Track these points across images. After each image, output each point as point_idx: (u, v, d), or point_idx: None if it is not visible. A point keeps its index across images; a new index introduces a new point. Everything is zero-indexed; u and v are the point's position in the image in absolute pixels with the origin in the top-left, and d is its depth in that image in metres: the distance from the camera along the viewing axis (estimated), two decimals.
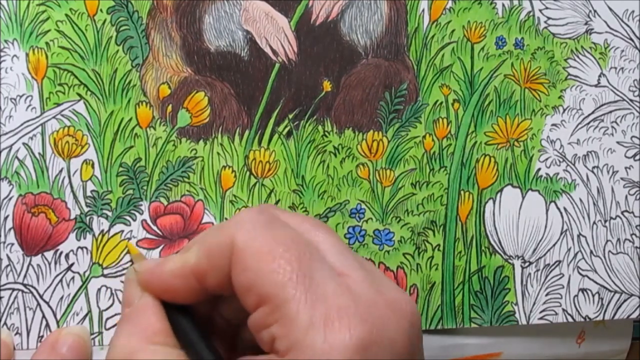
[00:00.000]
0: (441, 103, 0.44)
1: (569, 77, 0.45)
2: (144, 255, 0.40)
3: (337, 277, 0.31)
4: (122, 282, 0.40)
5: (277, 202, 0.42)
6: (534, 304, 0.44)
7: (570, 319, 0.44)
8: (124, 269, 0.40)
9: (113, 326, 0.40)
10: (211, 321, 0.36)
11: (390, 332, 0.30)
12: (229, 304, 0.35)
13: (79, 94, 0.41)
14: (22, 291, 0.39)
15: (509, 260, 0.44)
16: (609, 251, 0.45)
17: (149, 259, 0.36)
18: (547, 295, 0.44)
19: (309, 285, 0.29)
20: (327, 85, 0.43)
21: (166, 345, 0.32)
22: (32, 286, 0.39)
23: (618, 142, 0.46)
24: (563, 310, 0.44)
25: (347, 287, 0.30)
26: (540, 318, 0.44)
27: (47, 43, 0.40)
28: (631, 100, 0.46)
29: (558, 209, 0.45)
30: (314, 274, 0.30)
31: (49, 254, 0.40)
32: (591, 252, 0.45)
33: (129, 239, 0.41)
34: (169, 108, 0.42)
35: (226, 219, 0.42)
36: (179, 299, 0.33)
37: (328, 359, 0.28)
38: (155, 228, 0.41)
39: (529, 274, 0.44)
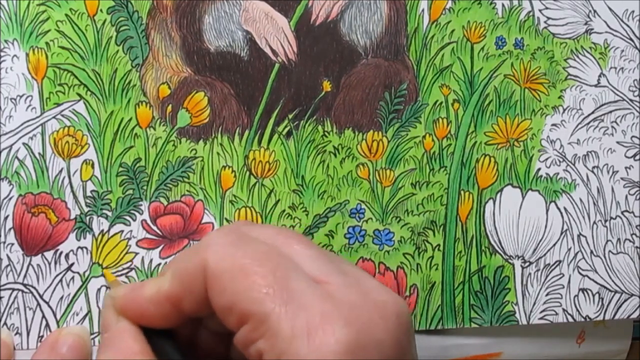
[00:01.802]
0: (441, 103, 0.44)
1: (569, 77, 0.45)
2: (120, 282, 0.40)
3: (315, 285, 0.30)
4: (122, 282, 0.40)
5: (277, 202, 0.42)
6: (534, 303, 0.44)
7: (570, 319, 0.44)
8: (124, 269, 0.40)
9: None
10: (195, 341, 0.36)
11: (376, 335, 0.29)
12: (212, 321, 0.35)
13: (79, 94, 0.41)
14: (22, 291, 0.39)
15: (509, 260, 0.44)
16: (609, 251, 0.45)
17: (125, 285, 0.36)
18: (547, 295, 0.44)
19: (286, 297, 0.29)
20: (327, 86, 0.43)
21: None
22: (32, 286, 0.39)
23: (618, 142, 0.46)
24: (563, 310, 0.44)
25: (327, 293, 0.30)
26: (541, 318, 0.44)
27: (47, 43, 0.40)
28: (631, 100, 0.46)
29: (558, 209, 0.45)
30: (290, 285, 0.30)
31: (49, 254, 0.40)
32: (591, 252, 0.45)
33: (129, 239, 0.41)
34: (169, 108, 0.42)
35: (226, 219, 0.42)
36: (157, 324, 0.33)
37: None
38: (155, 228, 0.41)
39: (529, 273, 0.44)
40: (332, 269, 0.32)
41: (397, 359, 0.30)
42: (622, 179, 0.45)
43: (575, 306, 0.44)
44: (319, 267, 0.32)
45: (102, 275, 0.40)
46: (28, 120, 0.40)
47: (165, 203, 0.41)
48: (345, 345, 0.28)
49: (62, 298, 0.40)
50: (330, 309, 0.29)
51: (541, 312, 0.44)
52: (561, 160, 0.45)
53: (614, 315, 0.44)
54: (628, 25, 0.46)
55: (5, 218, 0.39)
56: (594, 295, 0.44)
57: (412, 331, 0.32)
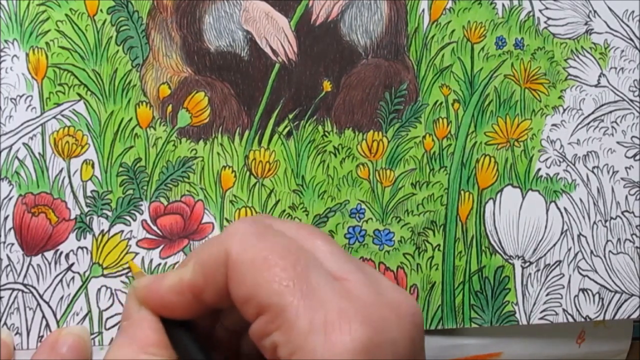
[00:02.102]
0: (441, 103, 0.44)
1: (569, 77, 0.45)
2: (145, 273, 0.40)
3: (334, 281, 0.30)
4: (122, 282, 0.40)
5: (277, 202, 0.42)
6: (535, 304, 0.44)
7: (570, 319, 0.44)
8: (124, 269, 0.40)
9: (113, 326, 0.40)
10: (212, 334, 0.36)
11: (391, 334, 0.30)
12: (229, 315, 0.35)
13: (79, 94, 0.41)
14: (22, 291, 0.39)
15: (509, 260, 0.44)
16: (610, 251, 0.45)
17: (148, 276, 0.36)
18: (547, 295, 0.44)
19: (306, 291, 0.29)
20: (327, 85, 0.43)
21: (161, 357, 0.32)
22: (32, 286, 0.39)
23: (618, 142, 0.46)
24: (563, 310, 0.44)
25: (345, 290, 0.30)
26: (541, 318, 0.44)
27: (47, 43, 0.40)
28: (631, 101, 0.46)
29: (558, 209, 0.45)
30: (310, 279, 0.30)
31: (49, 254, 0.40)
32: (591, 252, 0.45)
33: (129, 239, 0.41)
34: (169, 108, 0.42)
35: (226, 219, 0.42)
36: (177, 315, 0.33)
37: None
38: (155, 228, 0.41)
39: (529, 274, 0.44)
40: (351, 267, 0.32)
41: (410, 358, 0.30)
42: (622, 179, 0.45)
43: (576, 306, 0.44)
44: (338, 264, 0.32)
45: (128, 269, 0.40)
46: (28, 120, 0.40)
47: (166, 203, 0.41)
48: (360, 344, 0.28)
49: (62, 298, 0.40)
50: (347, 306, 0.29)
51: (541, 312, 0.44)
52: (561, 160, 0.45)
53: (614, 316, 0.44)
54: (628, 26, 0.46)
55: (5, 218, 0.39)
56: (594, 296, 0.44)
57: (423, 332, 0.32)
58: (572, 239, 0.44)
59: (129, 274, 0.40)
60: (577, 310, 0.44)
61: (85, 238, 0.40)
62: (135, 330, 0.33)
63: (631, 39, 0.46)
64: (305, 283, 0.29)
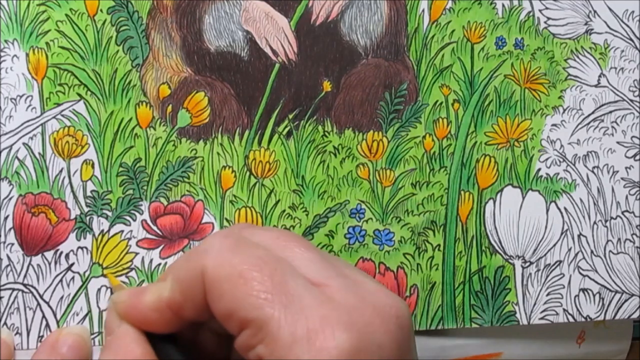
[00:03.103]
0: (441, 103, 0.44)
1: (569, 77, 0.45)
2: (124, 286, 0.40)
3: (314, 288, 0.30)
4: (122, 282, 0.40)
5: (277, 202, 0.42)
6: (535, 304, 0.44)
7: (571, 319, 0.44)
8: (124, 268, 0.40)
9: None
10: (198, 340, 0.36)
11: (377, 338, 0.29)
12: (215, 322, 0.35)
13: (79, 94, 0.41)
14: (22, 291, 0.39)
15: (510, 260, 0.44)
16: (610, 251, 0.45)
17: (127, 290, 0.35)
18: (547, 295, 0.44)
19: (286, 301, 0.29)
20: (327, 86, 0.43)
21: None
22: (32, 286, 0.39)
23: (618, 142, 0.46)
24: (564, 310, 0.44)
25: (326, 297, 0.30)
26: (541, 318, 0.44)
27: (47, 43, 0.40)
28: (631, 101, 0.46)
29: (558, 209, 0.45)
30: (289, 289, 0.29)
31: (49, 254, 0.40)
32: (592, 252, 0.45)
33: (129, 239, 0.41)
34: (169, 108, 0.42)
35: (226, 219, 0.42)
36: (159, 330, 0.33)
37: None
38: (155, 228, 0.41)
39: (530, 274, 0.44)
40: (331, 272, 0.31)
41: (402, 358, 0.30)
42: (622, 179, 0.45)
43: (576, 306, 0.44)
44: (318, 270, 0.31)
45: (103, 275, 0.40)
46: (28, 120, 0.40)
47: (166, 203, 0.41)
48: (345, 350, 0.28)
49: (62, 298, 0.40)
50: (329, 313, 0.29)
51: (542, 312, 0.44)
52: (561, 160, 0.45)
53: (615, 316, 0.44)
54: (628, 26, 0.46)
55: (5, 218, 0.39)
56: (594, 296, 0.44)
57: (412, 333, 0.31)
58: (573, 239, 0.44)
59: (130, 273, 0.40)
60: (578, 310, 0.44)
61: (85, 238, 0.40)
62: (120, 345, 0.33)
63: (631, 39, 0.46)
64: (284, 293, 0.29)
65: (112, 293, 0.40)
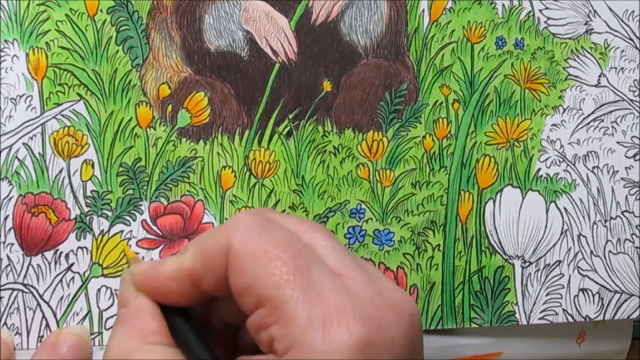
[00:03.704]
0: (441, 103, 0.44)
1: (569, 77, 0.45)
2: (140, 259, 0.40)
3: (334, 277, 0.30)
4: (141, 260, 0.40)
5: (277, 202, 0.42)
6: (534, 304, 0.44)
7: (570, 319, 0.44)
8: (124, 269, 0.40)
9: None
10: (208, 322, 0.36)
11: (389, 332, 0.30)
12: (226, 306, 0.35)
13: (79, 94, 0.41)
14: (22, 291, 0.39)
15: (509, 260, 0.44)
16: (609, 251, 0.45)
17: (145, 261, 0.36)
18: (547, 295, 0.44)
19: (306, 285, 0.29)
20: (327, 85, 0.43)
21: (163, 344, 0.32)
22: (32, 286, 0.39)
23: (618, 142, 0.46)
24: (563, 310, 0.44)
25: (345, 287, 0.30)
26: (541, 318, 0.44)
27: (47, 43, 0.40)
28: (631, 101, 0.46)
29: (558, 209, 0.45)
30: (311, 274, 0.30)
31: (49, 254, 0.40)
32: (591, 252, 0.45)
33: (129, 239, 0.41)
34: (169, 108, 0.42)
35: (226, 219, 0.42)
36: (175, 301, 0.33)
37: (327, 359, 0.28)
38: (155, 228, 0.41)
39: (529, 274, 0.44)
40: (350, 263, 0.32)
41: (407, 358, 0.30)
42: (622, 179, 0.45)
43: (576, 306, 0.44)
44: (338, 260, 0.32)
45: (103, 274, 0.40)
46: (28, 120, 0.40)
47: (166, 203, 0.41)
48: (358, 341, 0.28)
49: (62, 298, 0.40)
50: (346, 303, 0.29)
51: (541, 312, 0.44)
52: (561, 160, 0.45)
53: (614, 316, 0.44)
54: (628, 26, 0.46)
55: (5, 218, 0.39)
56: (594, 296, 0.44)
57: (422, 333, 0.32)
58: (572, 239, 0.44)
59: (126, 262, 0.40)
60: (577, 310, 0.44)
61: (85, 238, 0.40)
62: (136, 318, 0.33)
63: (631, 39, 0.46)
64: (306, 277, 0.29)
65: (127, 266, 0.40)
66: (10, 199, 0.39)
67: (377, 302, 0.30)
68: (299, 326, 0.28)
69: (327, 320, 0.28)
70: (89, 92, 0.41)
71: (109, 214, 0.41)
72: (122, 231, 0.41)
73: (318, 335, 0.28)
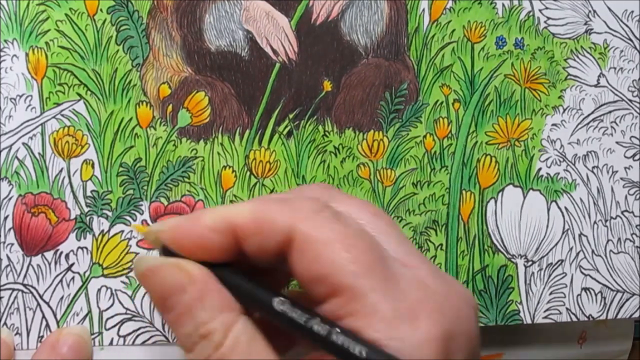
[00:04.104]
0: (441, 103, 0.44)
1: (569, 77, 0.45)
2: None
3: (406, 269, 0.30)
4: (122, 282, 0.40)
5: None
6: (538, 303, 0.44)
7: (574, 318, 0.44)
8: (124, 269, 0.40)
9: (113, 326, 0.40)
10: None
11: (465, 325, 0.29)
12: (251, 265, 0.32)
13: (79, 94, 0.40)
14: (22, 291, 0.39)
15: (512, 260, 0.44)
16: (610, 250, 0.45)
17: (167, 220, 0.32)
18: (550, 294, 0.44)
19: (384, 277, 0.28)
20: (327, 85, 0.43)
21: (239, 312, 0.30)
22: (32, 286, 0.39)
23: (617, 142, 0.46)
24: (567, 309, 0.44)
25: (419, 280, 0.29)
26: (545, 317, 0.44)
27: (47, 43, 0.40)
28: (630, 101, 0.46)
29: (559, 208, 0.45)
30: (388, 265, 0.29)
31: (49, 254, 0.39)
32: (593, 251, 0.44)
33: (129, 239, 0.40)
34: (170, 108, 0.41)
35: None
36: (213, 257, 0.30)
37: (418, 351, 0.27)
38: None
39: (532, 273, 0.44)
40: (417, 255, 0.31)
41: (479, 349, 0.30)
42: (621, 179, 0.45)
43: (579, 305, 0.44)
44: (405, 250, 0.31)
45: (103, 274, 0.40)
46: (28, 120, 0.40)
47: (166, 203, 0.41)
48: (442, 334, 0.28)
49: (62, 298, 0.39)
50: (425, 295, 0.29)
51: (545, 311, 0.44)
52: (561, 160, 0.45)
53: (617, 315, 0.44)
54: (627, 26, 0.46)
55: (5, 218, 0.39)
56: (596, 295, 0.44)
57: None
58: (574, 238, 0.44)
59: (130, 273, 0.40)
60: (580, 309, 0.44)
61: (85, 238, 0.40)
62: (215, 296, 0.29)
63: (630, 39, 0.46)
64: (384, 268, 0.28)
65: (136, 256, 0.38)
66: (10, 199, 0.39)
67: (451, 295, 0.30)
68: (383, 318, 0.27)
69: (412, 312, 0.28)
70: (89, 92, 0.41)
71: (109, 214, 0.40)
72: (122, 231, 0.40)
73: (405, 327, 0.27)
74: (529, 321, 0.43)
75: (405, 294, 0.28)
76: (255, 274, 0.31)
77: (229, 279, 0.30)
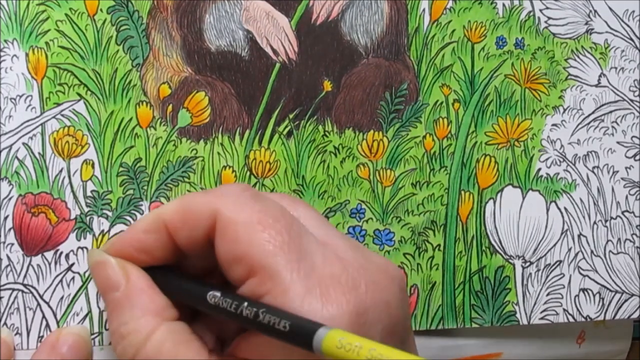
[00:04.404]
0: (441, 103, 0.44)
1: (569, 77, 0.45)
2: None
3: (323, 246, 0.31)
4: None
5: None
6: (535, 303, 0.44)
7: (571, 319, 0.44)
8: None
9: None
10: None
11: (383, 296, 0.30)
12: (191, 266, 0.35)
13: (79, 94, 0.41)
14: (22, 291, 0.39)
15: (510, 260, 0.44)
16: (610, 251, 0.45)
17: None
18: (547, 295, 0.44)
19: (299, 255, 0.29)
20: (327, 85, 0.43)
21: (176, 319, 0.32)
22: (32, 286, 0.39)
23: (618, 142, 0.46)
24: (564, 310, 0.44)
25: (335, 255, 0.30)
26: (541, 318, 0.44)
27: (47, 43, 0.40)
28: (631, 101, 0.46)
29: (558, 208, 0.45)
30: (303, 244, 0.30)
31: (49, 254, 0.40)
32: (592, 252, 0.45)
33: None
34: (170, 108, 0.41)
35: None
36: (154, 258, 0.33)
37: (331, 325, 0.28)
38: None
39: (530, 273, 0.44)
40: (335, 232, 0.32)
41: (401, 320, 0.30)
42: (622, 179, 0.45)
43: (576, 306, 0.44)
44: (323, 229, 0.32)
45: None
46: (28, 120, 0.40)
47: (166, 203, 0.41)
48: (356, 307, 0.28)
49: (62, 298, 0.40)
50: (339, 270, 0.29)
51: (542, 312, 0.44)
52: (561, 160, 0.45)
53: (615, 315, 0.44)
54: (628, 25, 0.46)
55: (5, 218, 0.39)
56: (594, 295, 0.44)
57: (408, 297, 0.32)
58: (573, 238, 0.44)
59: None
60: (578, 310, 0.44)
61: (85, 238, 0.40)
62: (142, 297, 0.32)
63: (631, 39, 0.46)
64: (299, 246, 0.30)
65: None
66: (10, 199, 0.39)
67: (367, 267, 0.31)
68: (295, 295, 0.28)
69: (323, 288, 0.29)
70: (89, 92, 0.41)
71: (109, 214, 0.40)
72: (122, 231, 0.40)
73: (317, 303, 0.28)
74: (525, 322, 0.44)
75: (319, 270, 0.29)
76: (206, 276, 0.33)
77: (170, 281, 0.32)
